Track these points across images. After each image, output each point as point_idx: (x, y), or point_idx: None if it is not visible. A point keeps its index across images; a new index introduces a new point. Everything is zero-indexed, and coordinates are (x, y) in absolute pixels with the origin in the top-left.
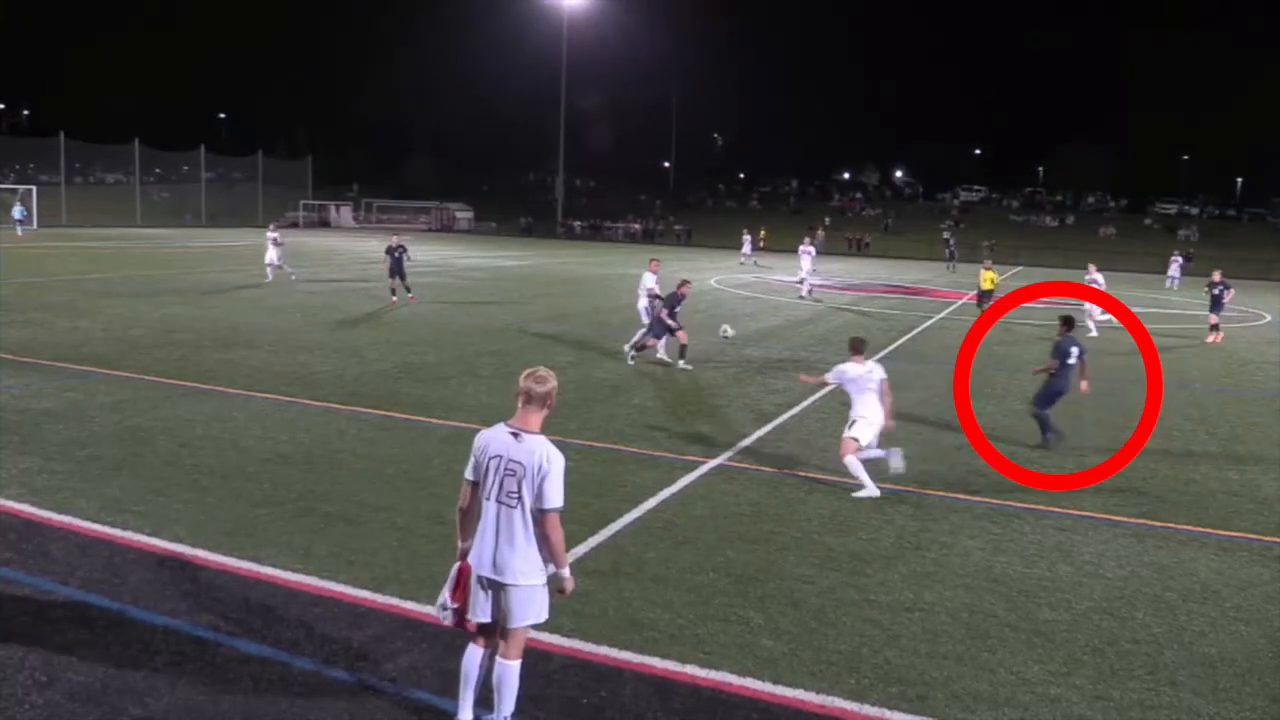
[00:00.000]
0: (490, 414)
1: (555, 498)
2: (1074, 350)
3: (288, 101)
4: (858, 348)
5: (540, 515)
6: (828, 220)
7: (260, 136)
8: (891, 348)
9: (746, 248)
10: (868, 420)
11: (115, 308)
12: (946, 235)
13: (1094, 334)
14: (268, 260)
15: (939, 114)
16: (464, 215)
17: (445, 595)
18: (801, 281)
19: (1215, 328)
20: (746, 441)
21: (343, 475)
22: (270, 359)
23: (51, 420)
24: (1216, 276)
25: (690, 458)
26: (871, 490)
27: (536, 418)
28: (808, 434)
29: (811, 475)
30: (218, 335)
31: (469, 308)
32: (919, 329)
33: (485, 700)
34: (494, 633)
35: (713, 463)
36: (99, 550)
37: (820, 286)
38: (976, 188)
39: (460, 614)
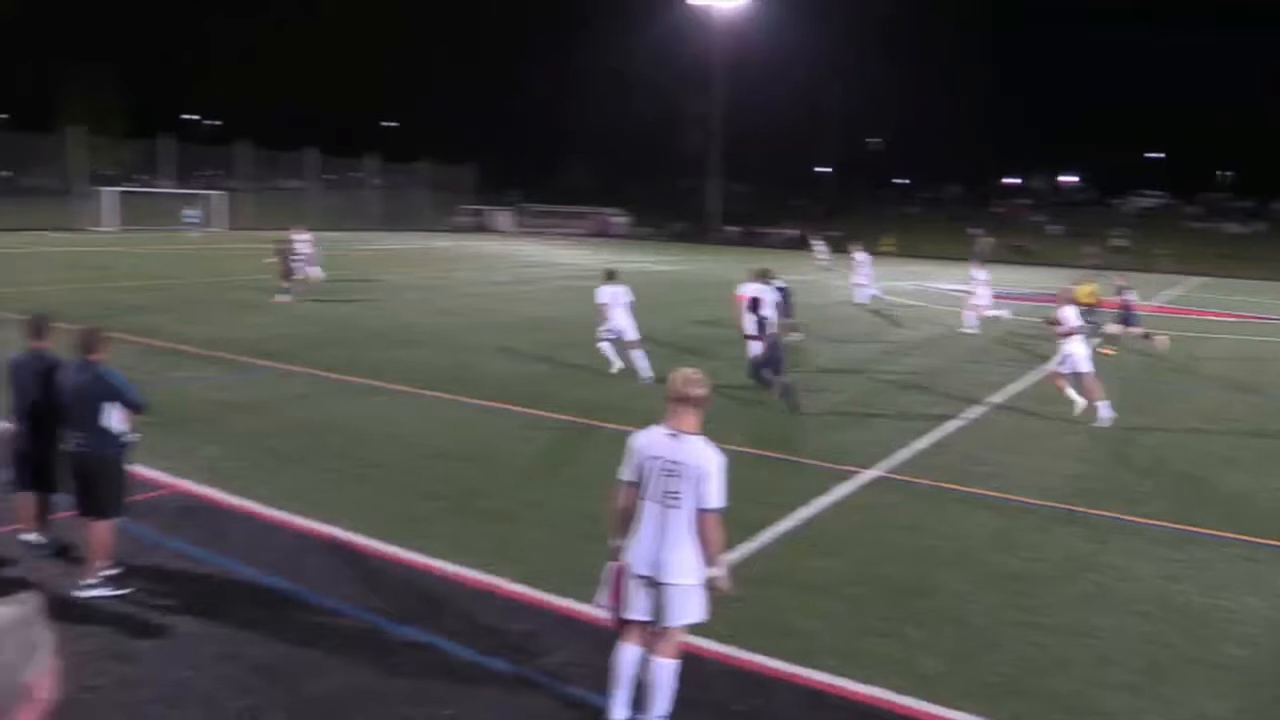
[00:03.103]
0: (645, 417)
1: (716, 497)
2: (765, 318)
3: (452, 110)
4: (610, 276)
5: (700, 515)
6: (982, 230)
7: (427, 143)
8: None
9: (822, 251)
10: (617, 326)
11: (292, 306)
12: (1117, 243)
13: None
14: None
15: (1114, 113)
16: (619, 220)
17: (602, 595)
18: (859, 288)
19: (1146, 336)
20: (905, 453)
21: (501, 472)
22: (433, 358)
23: (235, 411)
24: (1118, 280)
25: (847, 467)
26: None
27: (692, 419)
28: (971, 447)
29: (974, 490)
30: (385, 334)
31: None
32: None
33: (638, 700)
34: (650, 631)
35: (870, 474)
36: (277, 535)
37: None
38: (1155, 192)
39: (616, 613)
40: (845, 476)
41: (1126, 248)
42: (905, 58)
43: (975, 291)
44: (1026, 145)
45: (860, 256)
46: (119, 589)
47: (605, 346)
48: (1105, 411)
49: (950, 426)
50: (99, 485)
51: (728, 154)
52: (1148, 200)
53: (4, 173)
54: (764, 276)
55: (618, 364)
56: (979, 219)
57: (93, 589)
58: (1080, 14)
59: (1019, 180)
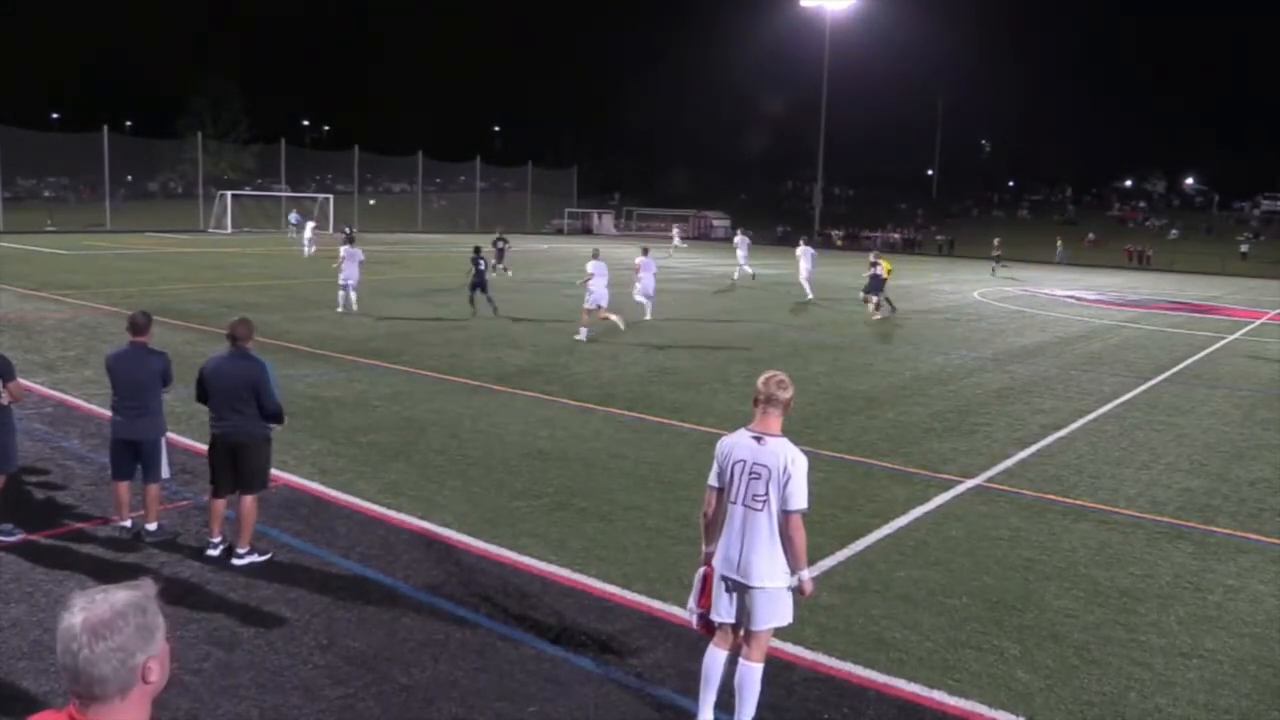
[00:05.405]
0: (741, 421)
1: (800, 499)
2: (481, 264)
3: (555, 114)
4: (349, 240)
5: (785, 517)
6: (1092, 236)
7: (529, 147)
8: (1176, 369)
9: (676, 239)
10: (350, 275)
11: (397, 306)
12: (996, 243)
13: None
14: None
15: (1238, 112)
16: (720, 223)
17: (692, 601)
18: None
19: (876, 306)
20: (1008, 463)
21: (596, 473)
22: (533, 358)
23: (340, 408)
24: (872, 258)
25: (945, 476)
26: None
27: (777, 422)
28: (1076, 458)
29: (1079, 502)
30: (485, 335)
31: (722, 315)
32: (1207, 350)
33: (725, 704)
34: (737, 634)
35: (970, 483)
36: (376, 529)
37: (1093, 301)
38: None
39: (706, 618)
40: (946, 485)
41: (1247, 254)
42: (1015, 58)
43: (801, 266)
44: (1144, 146)
45: (739, 239)
46: (263, 554)
47: (341, 294)
48: (613, 328)
49: (1056, 435)
50: (252, 463)
51: (832, 156)
52: (1277, 204)
53: (127, 177)
54: (501, 237)
55: (342, 308)
56: (1096, 222)
57: (246, 558)
58: (1198, 7)
59: (1131, 183)
